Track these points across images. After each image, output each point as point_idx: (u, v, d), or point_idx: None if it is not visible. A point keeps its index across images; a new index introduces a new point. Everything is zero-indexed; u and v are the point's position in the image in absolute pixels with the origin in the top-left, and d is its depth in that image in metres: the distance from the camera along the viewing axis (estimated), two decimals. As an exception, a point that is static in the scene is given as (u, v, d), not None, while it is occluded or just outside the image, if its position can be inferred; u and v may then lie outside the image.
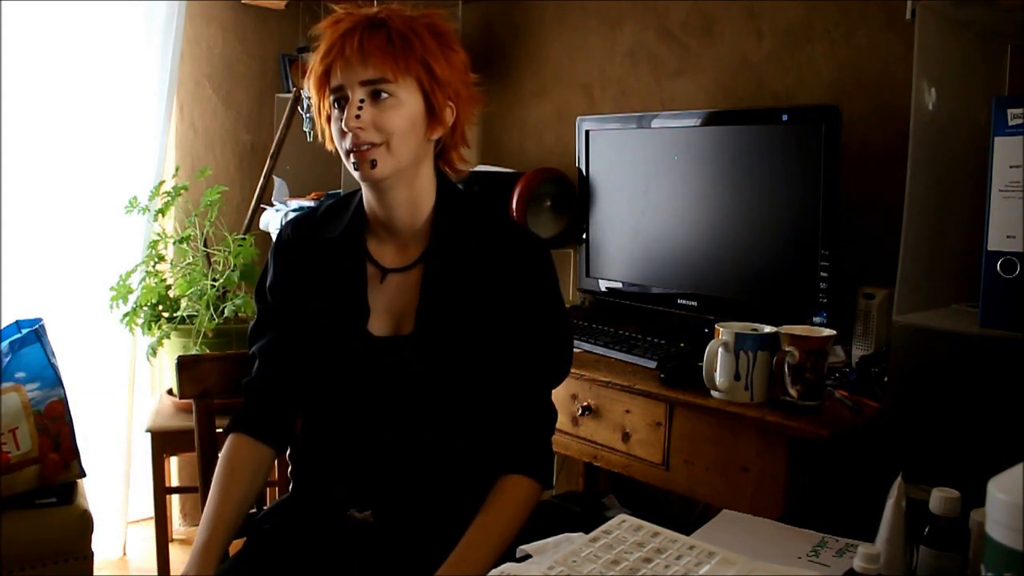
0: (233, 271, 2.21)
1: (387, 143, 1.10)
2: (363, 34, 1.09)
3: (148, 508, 2.30)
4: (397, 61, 1.08)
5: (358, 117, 1.08)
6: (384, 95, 1.09)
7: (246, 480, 1.18)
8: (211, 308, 2.17)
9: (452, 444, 1.15)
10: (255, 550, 1.18)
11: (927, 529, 0.83)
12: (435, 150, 1.20)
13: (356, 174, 1.12)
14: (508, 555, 0.88)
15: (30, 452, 1.74)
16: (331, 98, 1.12)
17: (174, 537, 2.61)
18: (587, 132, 2.05)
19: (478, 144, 2.66)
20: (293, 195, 2.73)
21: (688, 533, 0.92)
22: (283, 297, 1.23)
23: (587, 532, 0.88)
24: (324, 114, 1.16)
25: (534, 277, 1.18)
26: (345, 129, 1.09)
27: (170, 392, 2.35)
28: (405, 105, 1.10)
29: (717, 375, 1.42)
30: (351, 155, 1.11)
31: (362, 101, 1.09)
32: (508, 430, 1.15)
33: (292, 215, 2.23)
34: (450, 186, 1.22)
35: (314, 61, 1.12)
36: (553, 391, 1.21)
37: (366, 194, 1.20)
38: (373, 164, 1.10)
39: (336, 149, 1.17)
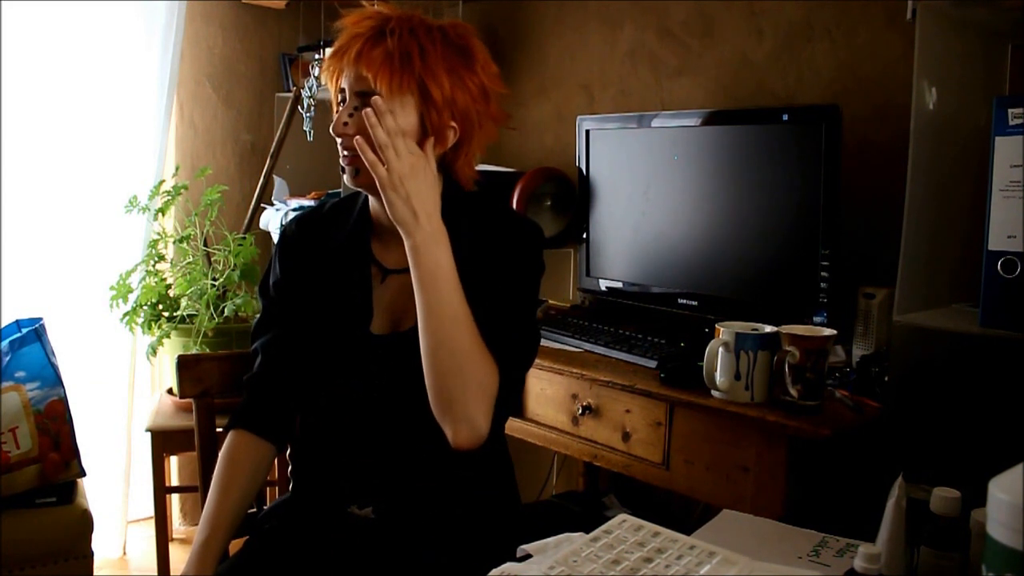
0: (233, 270, 2.22)
1: None
2: (365, 44, 1.08)
3: (148, 508, 2.30)
4: (392, 77, 1.07)
5: (346, 124, 1.10)
6: None
7: (246, 478, 1.18)
8: (211, 307, 2.17)
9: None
10: (256, 549, 1.18)
11: (927, 529, 0.83)
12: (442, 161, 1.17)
13: (343, 176, 1.15)
14: (507, 555, 0.88)
15: (30, 451, 1.74)
16: (340, 96, 1.14)
17: (174, 537, 2.61)
18: (587, 132, 2.05)
19: (478, 144, 2.65)
20: (293, 194, 2.73)
21: (688, 533, 0.92)
22: (287, 294, 1.23)
23: (587, 532, 0.88)
24: (335, 102, 1.17)
25: (514, 253, 1.17)
26: (331, 132, 1.12)
27: (170, 391, 2.35)
28: (396, 120, 1.07)
29: (717, 375, 1.42)
30: (341, 156, 1.13)
31: (356, 108, 1.09)
32: None
33: (294, 214, 2.23)
34: (455, 189, 1.20)
35: (331, 51, 1.13)
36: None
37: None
38: (356, 172, 1.12)
39: None
